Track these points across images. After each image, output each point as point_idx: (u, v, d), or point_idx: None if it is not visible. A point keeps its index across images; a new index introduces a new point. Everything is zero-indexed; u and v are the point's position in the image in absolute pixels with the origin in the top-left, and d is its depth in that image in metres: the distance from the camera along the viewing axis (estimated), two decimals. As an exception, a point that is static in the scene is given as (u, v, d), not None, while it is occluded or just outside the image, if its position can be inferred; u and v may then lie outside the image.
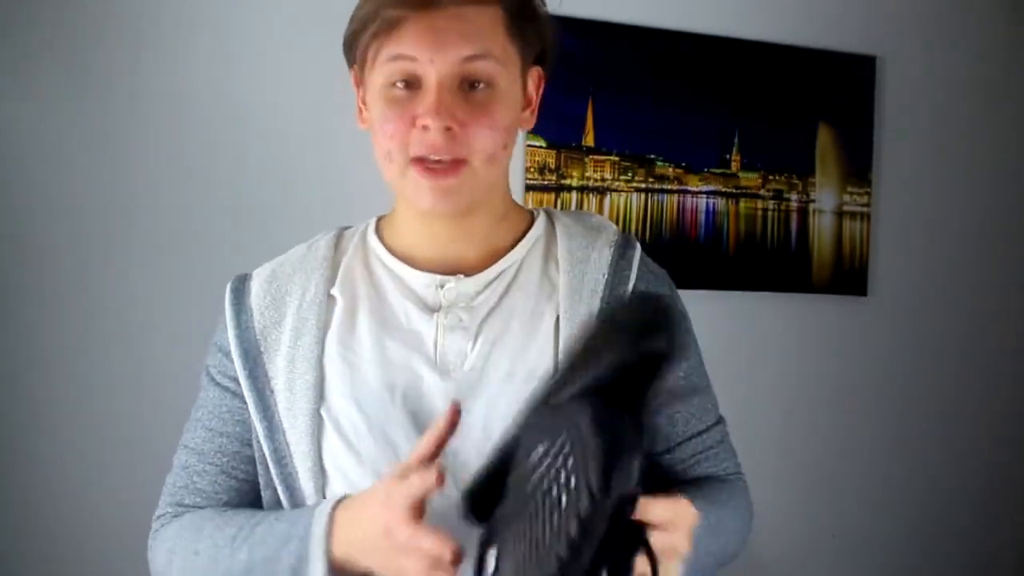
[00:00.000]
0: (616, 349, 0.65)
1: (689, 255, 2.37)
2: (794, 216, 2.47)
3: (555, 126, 2.25)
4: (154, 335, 1.97)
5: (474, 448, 0.83)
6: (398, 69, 0.89)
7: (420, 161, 0.89)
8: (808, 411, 2.47)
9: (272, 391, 0.94)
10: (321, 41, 2.10)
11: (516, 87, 0.94)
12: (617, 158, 2.32)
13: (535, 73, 0.98)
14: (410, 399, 0.91)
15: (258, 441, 0.94)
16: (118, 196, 1.97)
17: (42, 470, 1.91)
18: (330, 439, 0.91)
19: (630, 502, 0.62)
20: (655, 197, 2.35)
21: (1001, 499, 2.66)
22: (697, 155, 2.39)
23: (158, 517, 1.00)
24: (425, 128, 0.87)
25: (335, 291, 0.97)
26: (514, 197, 1.04)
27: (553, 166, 2.26)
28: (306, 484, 0.91)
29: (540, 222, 1.02)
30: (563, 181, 2.27)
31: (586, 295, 0.94)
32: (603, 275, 0.96)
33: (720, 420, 1.04)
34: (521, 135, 1.21)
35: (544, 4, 0.98)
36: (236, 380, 0.96)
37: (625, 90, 2.32)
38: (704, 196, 2.39)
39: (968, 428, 2.61)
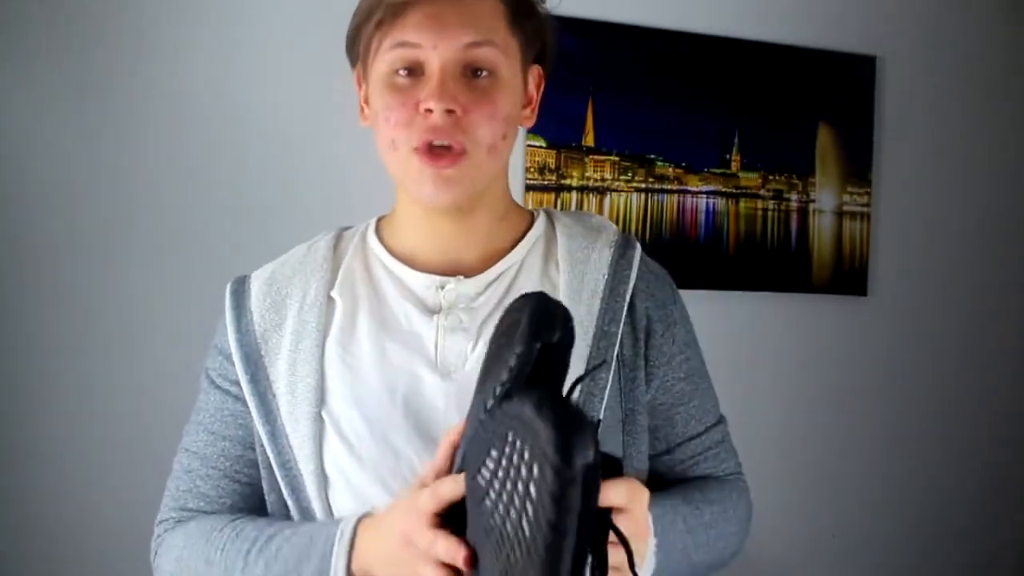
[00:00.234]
0: (517, 350, 0.69)
1: (689, 255, 2.37)
2: (794, 216, 2.47)
3: (555, 126, 2.25)
4: (154, 335, 1.97)
5: None
6: (401, 56, 0.89)
7: (423, 149, 0.89)
8: (808, 411, 2.47)
9: (274, 395, 0.93)
10: (321, 41, 2.11)
11: (517, 79, 0.94)
12: (617, 158, 2.32)
13: (535, 71, 0.98)
14: (411, 401, 0.90)
15: (261, 445, 0.94)
16: (118, 196, 1.97)
17: (42, 470, 1.91)
18: (331, 442, 0.91)
19: (594, 473, 0.62)
20: (655, 197, 2.35)
21: (1001, 499, 2.66)
22: (697, 155, 2.39)
23: (161, 522, 0.99)
24: (428, 112, 0.88)
25: (335, 293, 0.97)
26: (514, 197, 1.04)
27: (553, 166, 2.26)
28: (310, 488, 0.91)
29: (540, 222, 1.01)
30: (563, 181, 2.27)
31: (586, 296, 0.94)
32: (603, 276, 0.96)
33: (720, 420, 1.04)
34: (521, 135, 1.22)
35: (543, 3, 0.98)
36: (237, 384, 0.96)
37: (625, 90, 2.32)
38: (704, 196, 2.39)
39: (968, 428, 2.61)
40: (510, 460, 0.66)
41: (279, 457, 0.92)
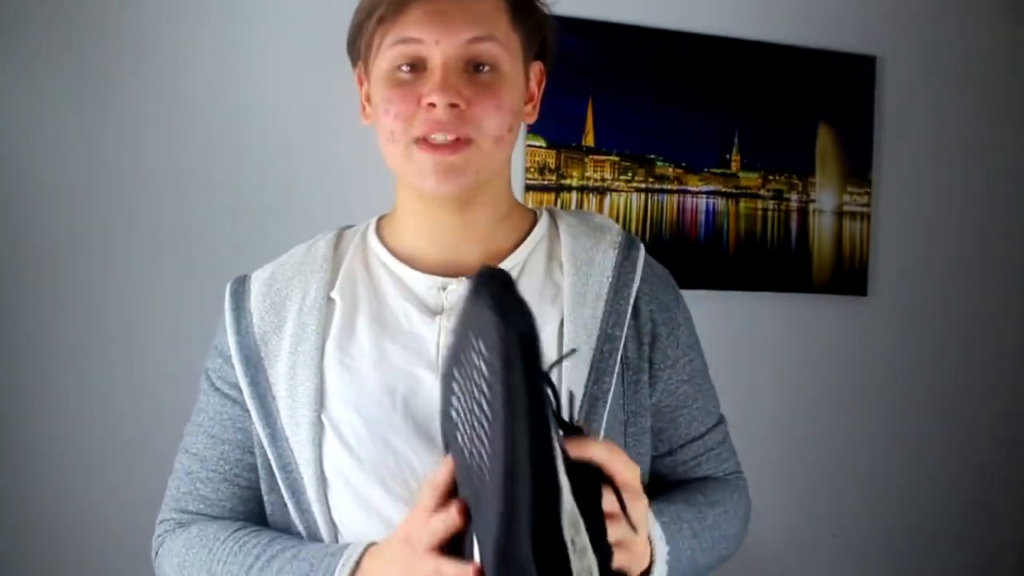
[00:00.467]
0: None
1: (689, 255, 2.37)
2: (794, 216, 2.47)
3: (555, 126, 2.25)
4: (154, 335, 1.97)
5: None
6: (403, 52, 0.89)
7: (424, 140, 0.89)
8: (808, 411, 2.47)
9: (274, 397, 0.93)
10: (321, 41, 2.11)
11: (519, 75, 0.94)
12: (617, 158, 2.32)
13: (536, 67, 0.98)
14: (411, 402, 0.90)
15: (261, 448, 0.94)
16: (118, 196, 1.97)
17: (42, 470, 1.91)
18: (331, 445, 0.91)
19: (532, 344, 0.63)
20: (655, 197, 2.35)
21: (1000, 498, 2.66)
22: (697, 155, 2.38)
23: (162, 521, 0.99)
24: (431, 106, 0.87)
25: (335, 294, 0.96)
26: (514, 195, 1.04)
27: (553, 166, 2.26)
28: (311, 490, 0.91)
29: (543, 222, 1.01)
30: (563, 181, 2.27)
31: (590, 299, 0.94)
32: (607, 278, 0.95)
33: (721, 420, 1.04)
34: (521, 135, 1.22)
35: (544, 2, 0.98)
36: (237, 387, 0.96)
37: (625, 90, 2.32)
38: (704, 196, 2.39)
39: (968, 428, 2.61)
40: (467, 378, 0.67)
41: (280, 460, 0.92)
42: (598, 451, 0.73)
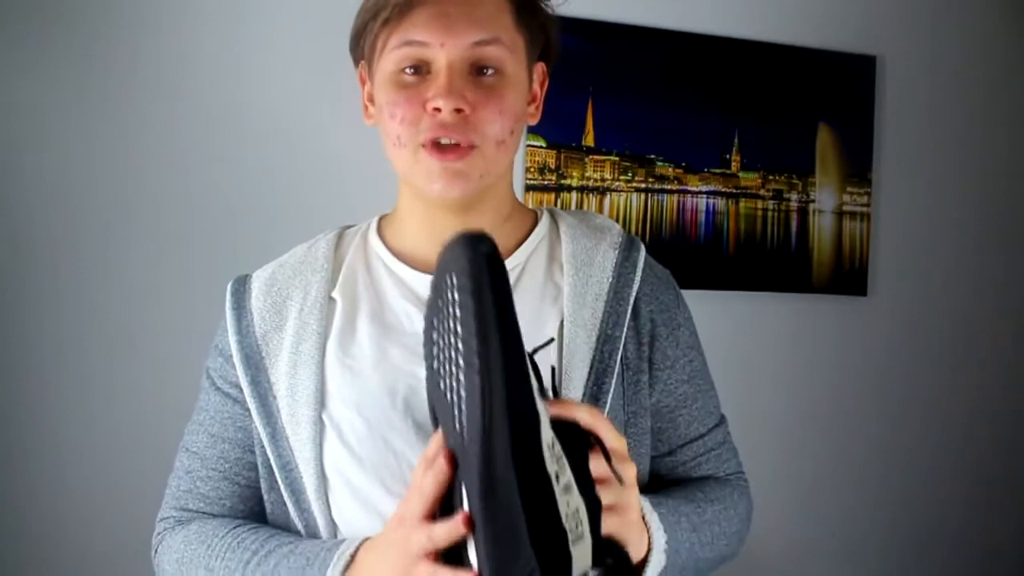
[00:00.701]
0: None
1: (689, 255, 2.37)
2: (794, 216, 2.47)
3: (555, 126, 2.25)
4: (154, 335, 1.97)
5: None
6: (408, 54, 0.89)
7: (430, 145, 0.89)
8: (808, 411, 2.47)
9: (275, 397, 0.93)
10: (322, 40, 2.11)
11: (523, 77, 0.94)
12: (617, 158, 2.32)
13: (539, 68, 0.98)
14: (411, 402, 0.90)
15: (261, 447, 0.94)
16: (118, 196, 1.97)
17: (42, 470, 1.91)
18: (331, 444, 0.91)
19: (500, 264, 0.67)
20: (655, 197, 2.35)
21: (1000, 498, 2.66)
22: (697, 155, 2.38)
23: (162, 519, 1.00)
24: (436, 111, 0.88)
25: (335, 294, 0.96)
26: (515, 196, 1.04)
27: (553, 166, 2.26)
28: (311, 490, 0.91)
29: (544, 223, 1.01)
30: (563, 181, 2.27)
31: (590, 299, 0.94)
32: (607, 279, 0.95)
33: (721, 421, 1.04)
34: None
35: (548, 2, 0.98)
36: (237, 386, 0.96)
37: (625, 90, 2.32)
38: (704, 196, 2.39)
39: (967, 427, 2.61)
40: (445, 318, 0.70)
41: (280, 459, 0.92)
42: (581, 412, 0.74)
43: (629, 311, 0.95)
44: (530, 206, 1.07)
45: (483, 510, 0.66)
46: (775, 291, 2.45)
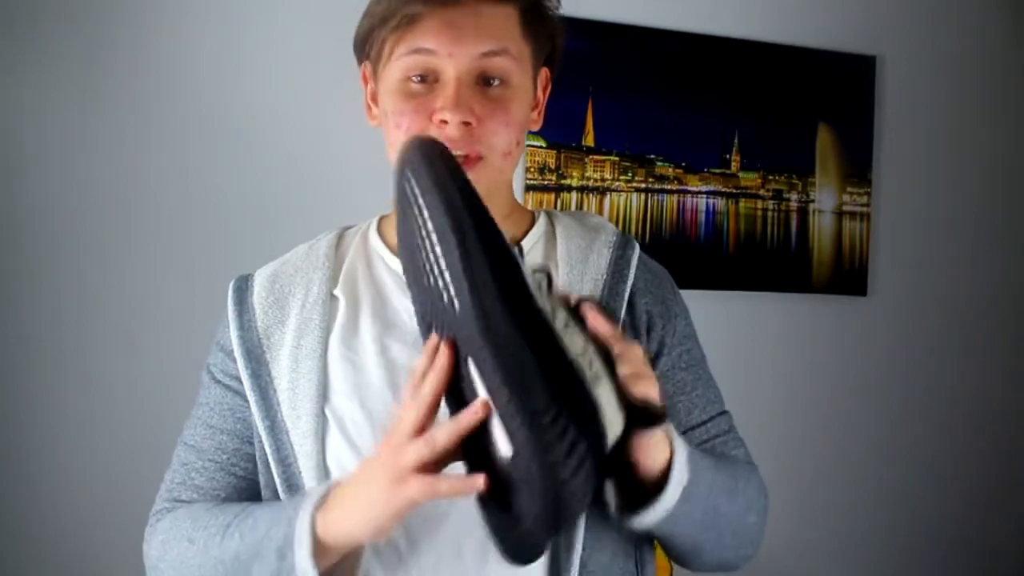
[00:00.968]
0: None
1: (689, 255, 2.37)
2: (794, 216, 2.47)
3: (555, 126, 2.25)
4: (155, 335, 1.97)
5: None
6: (416, 63, 0.89)
7: None
8: (808, 411, 2.47)
9: (275, 391, 0.94)
10: (324, 40, 2.11)
11: (528, 85, 0.94)
12: (617, 158, 2.32)
13: (543, 74, 0.99)
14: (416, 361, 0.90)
15: (260, 440, 0.94)
16: (119, 196, 1.97)
17: (42, 470, 1.91)
18: (334, 438, 0.91)
19: (443, 148, 0.73)
20: (655, 197, 2.35)
21: (1000, 498, 2.66)
22: (697, 155, 2.39)
23: (154, 512, 0.99)
24: (443, 123, 0.88)
25: (337, 291, 0.97)
26: (515, 197, 1.04)
27: (553, 166, 2.26)
28: (309, 484, 0.91)
29: (541, 223, 1.02)
30: (563, 181, 2.27)
31: (586, 295, 0.94)
32: (602, 276, 0.96)
33: (724, 412, 1.04)
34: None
35: (558, 6, 0.98)
36: (238, 379, 0.96)
37: (625, 90, 2.32)
38: (704, 196, 2.39)
39: (967, 427, 2.61)
40: (412, 220, 0.73)
41: (277, 453, 0.93)
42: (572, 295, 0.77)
43: (624, 306, 0.95)
44: (529, 207, 1.08)
45: (492, 357, 0.65)
46: (775, 291, 2.45)
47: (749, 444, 1.03)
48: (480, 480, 0.69)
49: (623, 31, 2.31)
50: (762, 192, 2.44)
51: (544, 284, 0.72)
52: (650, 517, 0.82)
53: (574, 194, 2.28)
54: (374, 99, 0.97)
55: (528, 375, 0.65)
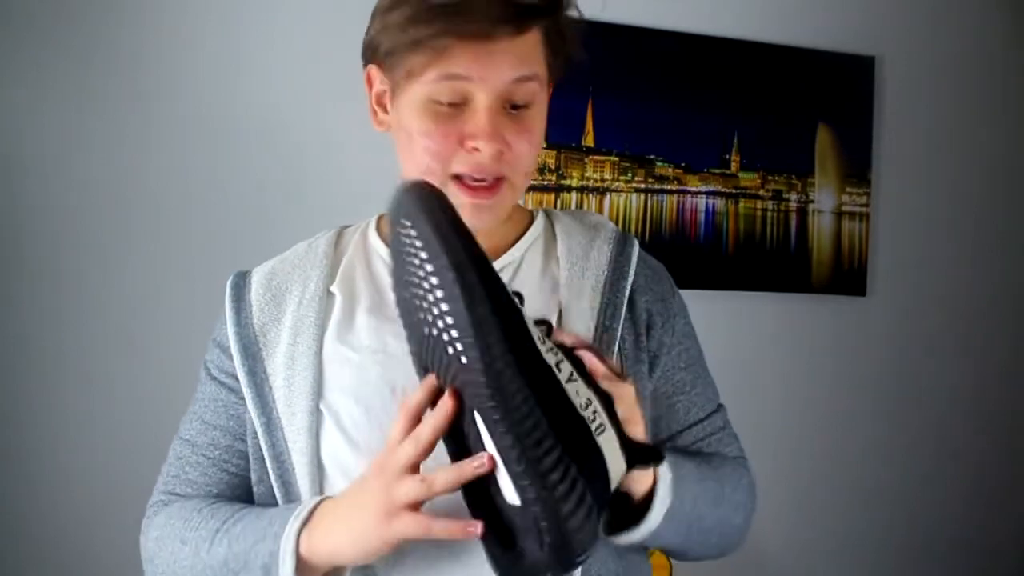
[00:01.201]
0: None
1: (689, 255, 2.37)
2: (793, 216, 2.47)
3: (555, 126, 2.22)
4: (154, 335, 1.97)
5: None
6: (448, 88, 0.88)
7: (461, 179, 0.90)
8: (807, 411, 2.48)
9: (271, 387, 0.94)
10: (325, 40, 2.11)
11: (546, 103, 0.95)
12: (617, 158, 2.32)
13: (550, 87, 0.99)
14: (410, 394, 0.91)
15: (254, 437, 0.95)
16: (119, 196, 1.97)
17: (42, 470, 1.91)
18: (329, 434, 0.91)
19: (439, 194, 0.73)
20: (655, 197, 2.35)
21: (999, 498, 2.66)
22: (697, 155, 2.39)
23: (151, 505, 1.01)
24: (476, 150, 0.88)
25: (334, 288, 0.97)
26: (514, 197, 1.05)
27: (553, 166, 2.26)
28: (302, 480, 0.91)
29: (539, 221, 1.03)
30: (563, 181, 2.27)
31: (587, 291, 0.95)
32: (603, 271, 0.97)
33: (720, 407, 1.05)
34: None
35: (581, 21, 0.98)
36: (234, 376, 0.97)
37: (625, 90, 2.32)
38: (704, 196, 2.39)
39: (966, 427, 2.62)
40: (408, 269, 0.72)
41: (272, 449, 0.93)
42: (566, 336, 0.78)
43: (625, 302, 0.96)
44: (529, 207, 1.08)
45: (503, 418, 0.66)
46: (774, 291, 2.45)
47: (747, 444, 1.05)
48: (478, 528, 0.71)
49: (623, 31, 2.31)
50: (761, 192, 2.44)
51: (545, 335, 0.72)
52: (635, 536, 0.86)
53: (574, 194, 2.28)
54: (379, 102, 0.96)
55: (539, 435, 0.66)
